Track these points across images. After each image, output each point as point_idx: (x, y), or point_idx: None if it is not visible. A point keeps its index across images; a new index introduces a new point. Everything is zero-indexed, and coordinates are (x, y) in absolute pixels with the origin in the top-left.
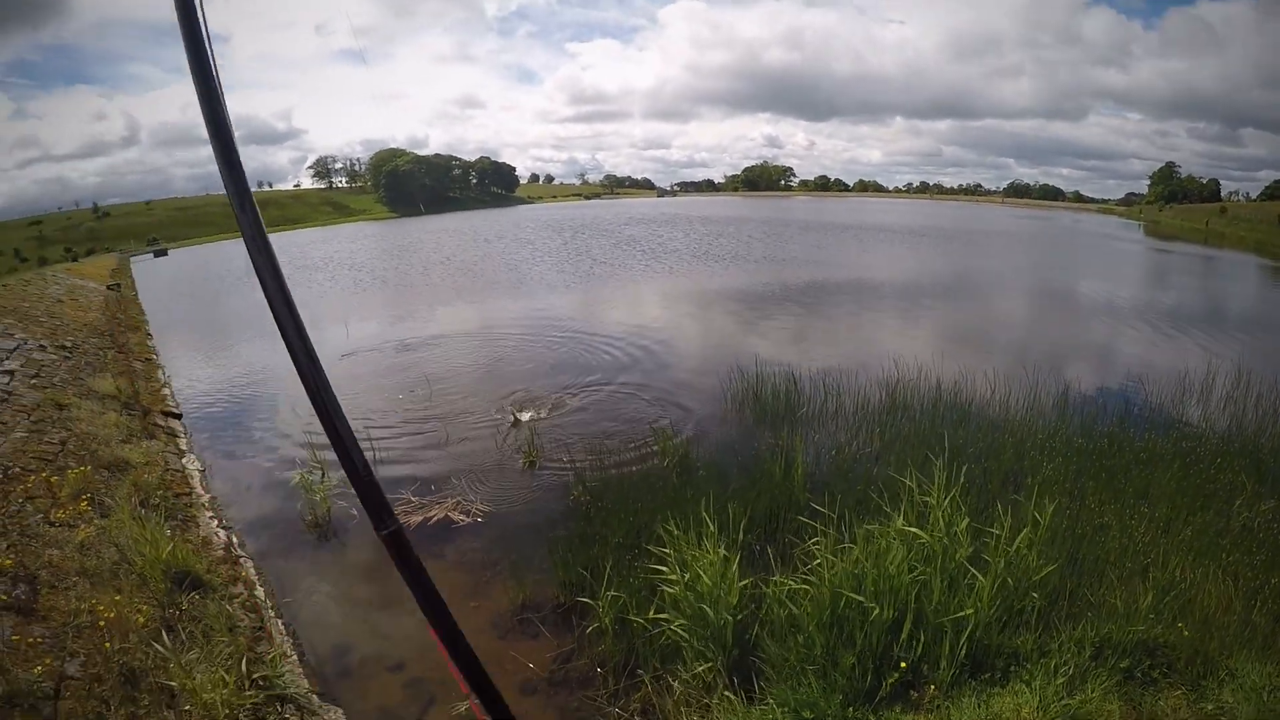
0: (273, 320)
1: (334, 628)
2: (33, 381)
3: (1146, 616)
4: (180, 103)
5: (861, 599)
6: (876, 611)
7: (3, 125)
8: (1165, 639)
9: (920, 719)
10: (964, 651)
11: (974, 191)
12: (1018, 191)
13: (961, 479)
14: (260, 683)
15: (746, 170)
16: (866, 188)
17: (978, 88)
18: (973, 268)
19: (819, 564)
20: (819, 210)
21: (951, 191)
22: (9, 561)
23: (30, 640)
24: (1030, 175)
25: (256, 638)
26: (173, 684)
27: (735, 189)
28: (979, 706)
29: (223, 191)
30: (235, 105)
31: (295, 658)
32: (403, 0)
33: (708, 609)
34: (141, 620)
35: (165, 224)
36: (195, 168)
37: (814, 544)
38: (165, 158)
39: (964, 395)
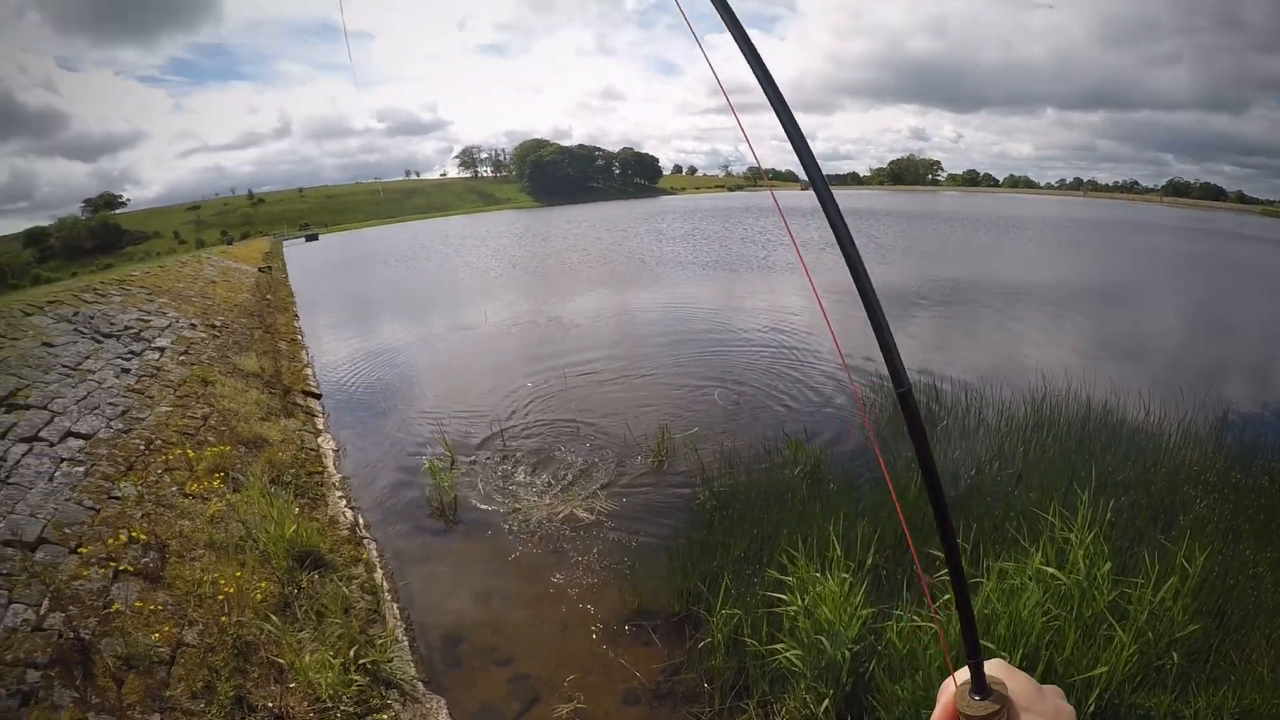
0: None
1: (448, 616)
2: (181, 358)
3: None
4: (328, 95)
5: (991, 645)
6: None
7: (163, 119)
8: None
9: None
10: (1092, 709)
11: (1130, 189)
12: (1177, 190)
13: (1108, 515)
14: (368, 667)
15: (892, 164)
16: (1017, 183)
17: (1132, 77)
18: (1130, 275)
19: (948, 598)
20: (966, 205)
21: (1106, 189)
22: (141, 533)
23: (153, 606)
24: (1190, 172)
25: (371, 620)
26: (281, 661)
27: (880, 183)
28: None
29: (370, 179)
30: (382, 98)
31: (406, 643)
32: None
33: (824, 641)
34: (259, 597)
35: (315, 210)
36: (344, 157)
37: (943, 576)
38: (315, 148)
39: (1115, 415)
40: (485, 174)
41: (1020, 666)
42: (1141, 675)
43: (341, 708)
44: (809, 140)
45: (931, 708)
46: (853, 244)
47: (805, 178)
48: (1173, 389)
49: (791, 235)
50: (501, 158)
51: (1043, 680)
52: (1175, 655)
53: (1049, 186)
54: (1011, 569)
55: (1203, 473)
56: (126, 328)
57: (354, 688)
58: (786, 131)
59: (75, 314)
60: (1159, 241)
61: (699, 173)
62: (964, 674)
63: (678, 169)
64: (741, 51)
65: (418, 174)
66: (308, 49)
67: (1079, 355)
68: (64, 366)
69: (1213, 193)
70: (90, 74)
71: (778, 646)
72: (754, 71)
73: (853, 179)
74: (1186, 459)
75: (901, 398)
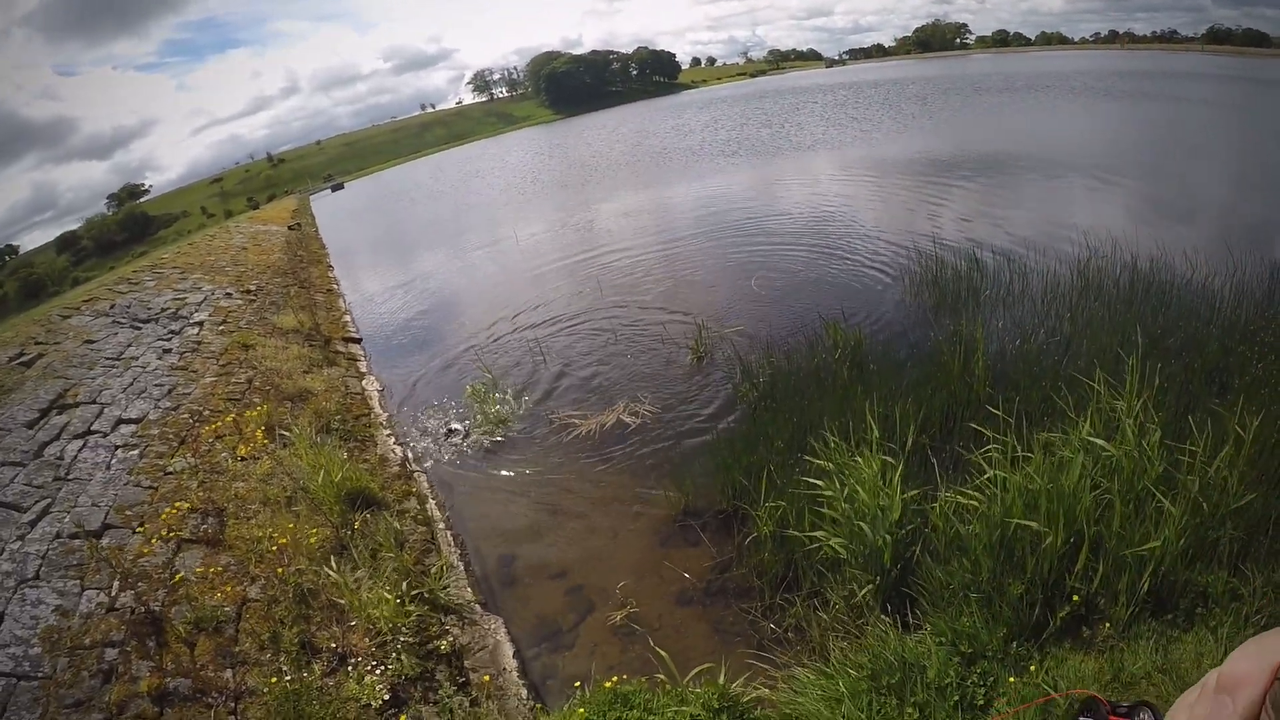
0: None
1: (501, 536)
2: (220, 328)
3: None
4: (329, 45)
5: (1034, 524)
6: (1050, 538)
7: (169, 102)
8: None
9: (1090, 660)
10: (1146, 587)
11: (1169, 39)
12: (1217, 37)
13: (1158, 380)
14: (425, 596)
15: (918, 31)
16: (1050, 40)
17: None
18: (1166, 129)
19: (990, 478)
20: (997, 66)
21: (1144, 40)
22: (198, 502)
23: (216, 569)
24: (1230, 18)
25: (426, 550)
26: (341, 601)
27: (908, 52)
28: (1156, 651)
29: (386, 120)
30: (383, 38)
31: (461, 568)
32: None
33: (864, 526)
34: (313, 543)
35: (336, 159)
36: (356, 103)
37: (987, 453)
38: (326, 99)
39: (1163, 276)
40: (501, 95)
41: (1065, 542)
42: (1195, 550)
43: (401, 638)
44: (826, 17)
45: (978, 590)
46: None
47: (828, 56)
48: (1220, 246)
49: None
50: (515, 76)
51: (1091, 556)
52: (1231, 528)
53: (1083, 41)
54: (1058, 441)
55: (1258, 332)
56: (163, 309)
57: (413, 618)
58: None
59: (112, 307)
60: (1195, 89)
61: (719, 63)
62: None
63: (696, 62)
64: None
65: (433, 106)
66: (300, 3)
67: (1121, 216)
68: (107, 359)
69: (1255, 39)
70: (89, 74)
71: (819, 535)
72: None
73: (878, 50)
74: (1241, 318)
75: None
